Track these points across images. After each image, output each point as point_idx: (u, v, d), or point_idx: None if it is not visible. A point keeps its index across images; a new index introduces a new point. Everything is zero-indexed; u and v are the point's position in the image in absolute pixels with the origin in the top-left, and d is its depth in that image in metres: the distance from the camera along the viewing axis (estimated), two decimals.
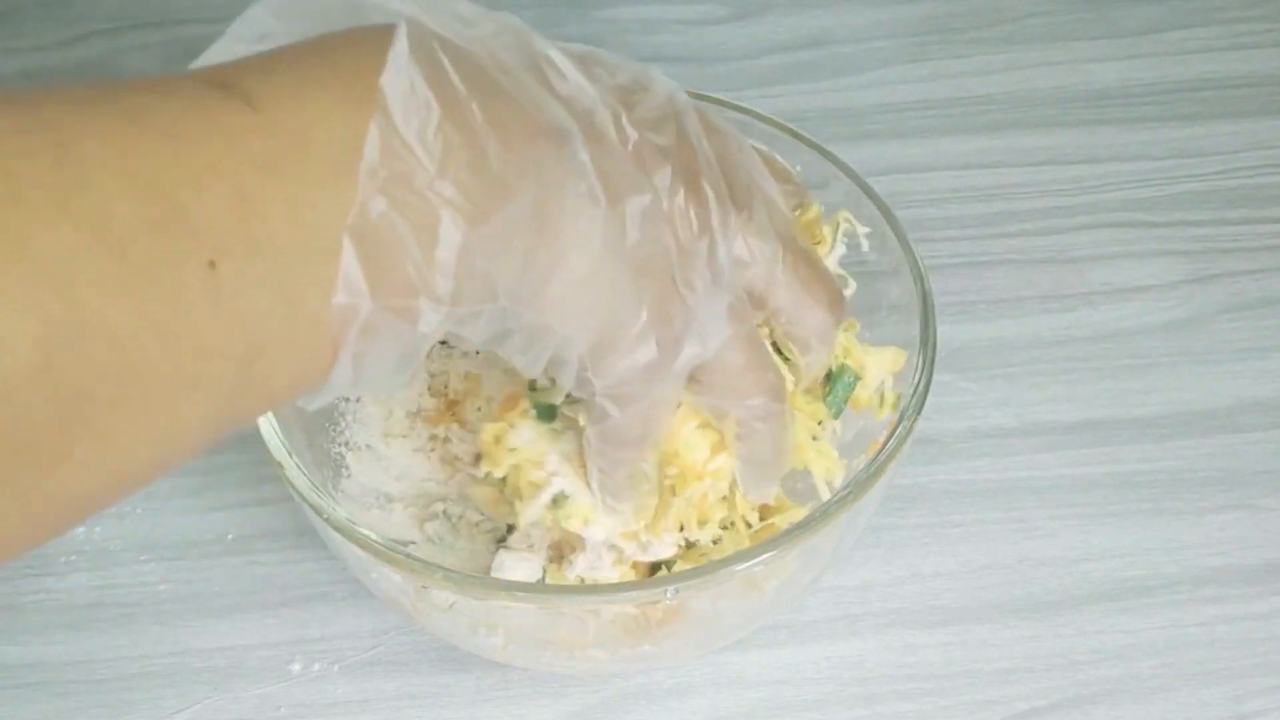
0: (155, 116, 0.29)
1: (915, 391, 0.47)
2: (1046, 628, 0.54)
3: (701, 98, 0.55)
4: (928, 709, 0.52)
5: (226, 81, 0.30)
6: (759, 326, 0.43)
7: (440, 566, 0.44)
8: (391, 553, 0.43)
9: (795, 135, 0.54)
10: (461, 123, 0.32)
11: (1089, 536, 0.57)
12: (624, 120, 0.38)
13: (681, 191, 0.38)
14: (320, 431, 0.52)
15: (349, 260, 0.30)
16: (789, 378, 0.45)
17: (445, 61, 0.32)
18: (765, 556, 0.43)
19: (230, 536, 0.57)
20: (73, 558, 0.57)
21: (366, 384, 0.33)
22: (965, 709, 0.52)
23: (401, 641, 0.54)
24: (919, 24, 0.79)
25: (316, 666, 0.53)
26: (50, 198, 0.26)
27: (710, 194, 0.39)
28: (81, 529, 0.57)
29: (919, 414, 0.46)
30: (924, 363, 0.48)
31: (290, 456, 0.46)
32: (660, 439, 0.43)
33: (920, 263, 0.50)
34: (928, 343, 0.48)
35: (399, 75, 0.31)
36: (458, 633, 0.47)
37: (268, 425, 0.47)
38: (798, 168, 0.53)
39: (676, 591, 0.43)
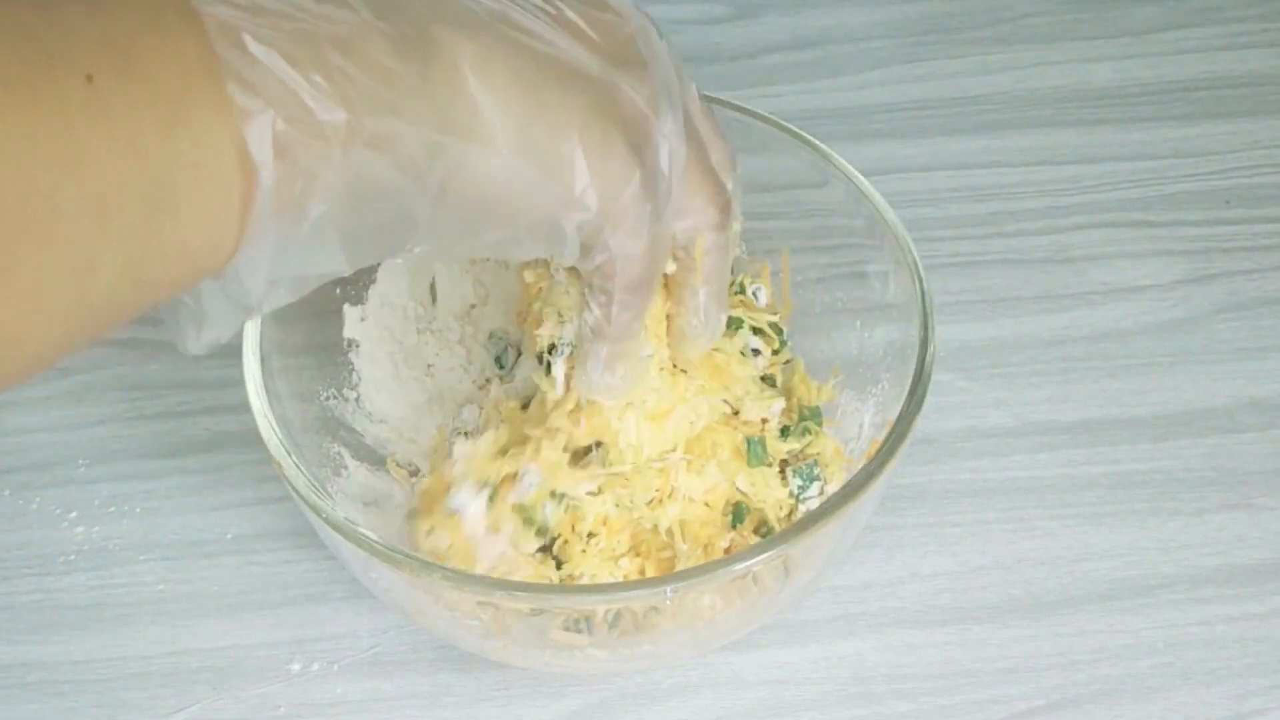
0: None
1: (914, 391, 0.47)
2: (1045, 627, 0.54)
3: (701, 98, 0.55)
4: (926, 709, 0.52)
5: None
6: None
7: (440, 566, 0.44)
8: (390, 552, 0.43)
9: (794, 135, 0.54)
10: None
11: (1087, 536, 0.57)
12: None
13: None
14: (321, 422, 0.52)
15: (230, 83, 0.31)
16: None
17: None
18: (765, 556, 0.43)
19: (229, 536, 0.57)
20: (71, 557, 0.57)
21: (293, 231, 0.33)
22: (964, 709, 0.52)
23: (400, 641, 0.54)
24: (917, 24, 0.79)
25: (316, 666, 0.53)
26: None
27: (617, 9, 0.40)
28: (80, 528, 0.57)
29: (918, 413, 0.46)
30: (922, 362, 0.48)
31: (289, 456, 0.46)
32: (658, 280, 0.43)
33: (918, 262, 0.50)
34: (926, 342, 0.48)
35: None
36: (457, 633, 0.47)
37: (266, 424, 0.47)
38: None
39: (675, 590, 0.43)
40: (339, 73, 0.33)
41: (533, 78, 0.36)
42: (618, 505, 0.47)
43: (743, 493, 0.49)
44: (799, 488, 0.50)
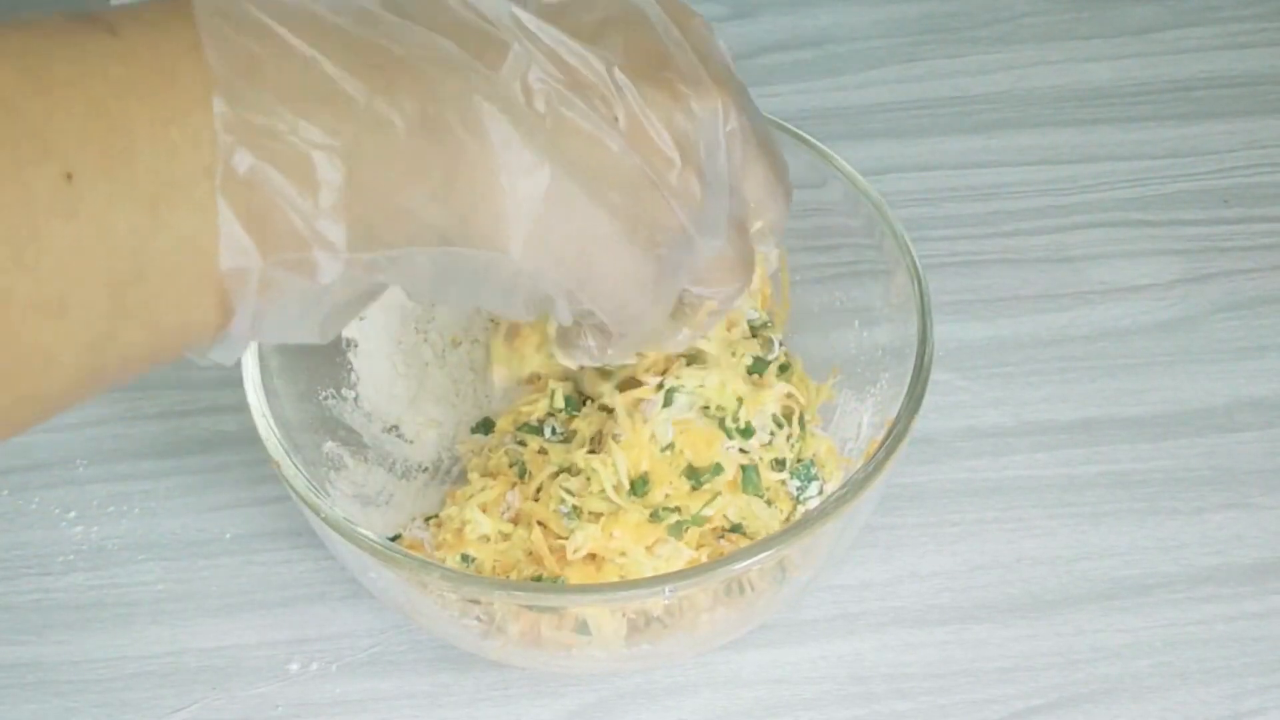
0: (7, 39, 0.28)
1: (912, 391, 0.47)
2: (1044, 627, 0.54)
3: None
4: (925, 708, 0.52)
5: (90, 15, 0.29)
6: None
7: (439, 565, 0.44)
8: (389, 552, 0.43)
9: (793, 134, 0.54)
10: (306, 68, 0.30)
11: (1086, 535, 0.57)
12: (542, 32, 0.34)
13: (647, 93, 0.36)
14: (319, 422, 0.52)
15: (227, 219, 0.29)
16: None
17: (266, 19, 0.30)
18: (763, 555, 0.43)
19: (228, 536, 0.57)
20: (70, 557, 0.57)
21: (270, 337, 0.32)
22: (963, 708, 0.52)
23: (399, 641, 0.54)
24: (916, 23, 0.79)
25: (314, 666, 0.53)
26: None
27: (687, 90, 0.36)
28: (79, 528, 0.57)
29: (916, 413, 0.46)
30: (921, 362, 0.48)
31: (287, 455, 0.46)
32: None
33: (917, 262, 0.50)
34: (924, 342, 0.48)
35: (215, 38, 0.30)
36: (455, 632, 0.47)
37: (265, 423, 0.47)
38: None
39: (674, 590, 0.43)
40: (358, 203, 0.31)
41: (570, 188, 0.34)
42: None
43: (733, 522, 0.49)
44: (798, 489, 0.50)
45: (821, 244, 0.55)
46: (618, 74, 0.35)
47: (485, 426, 0.54)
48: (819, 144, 0.53)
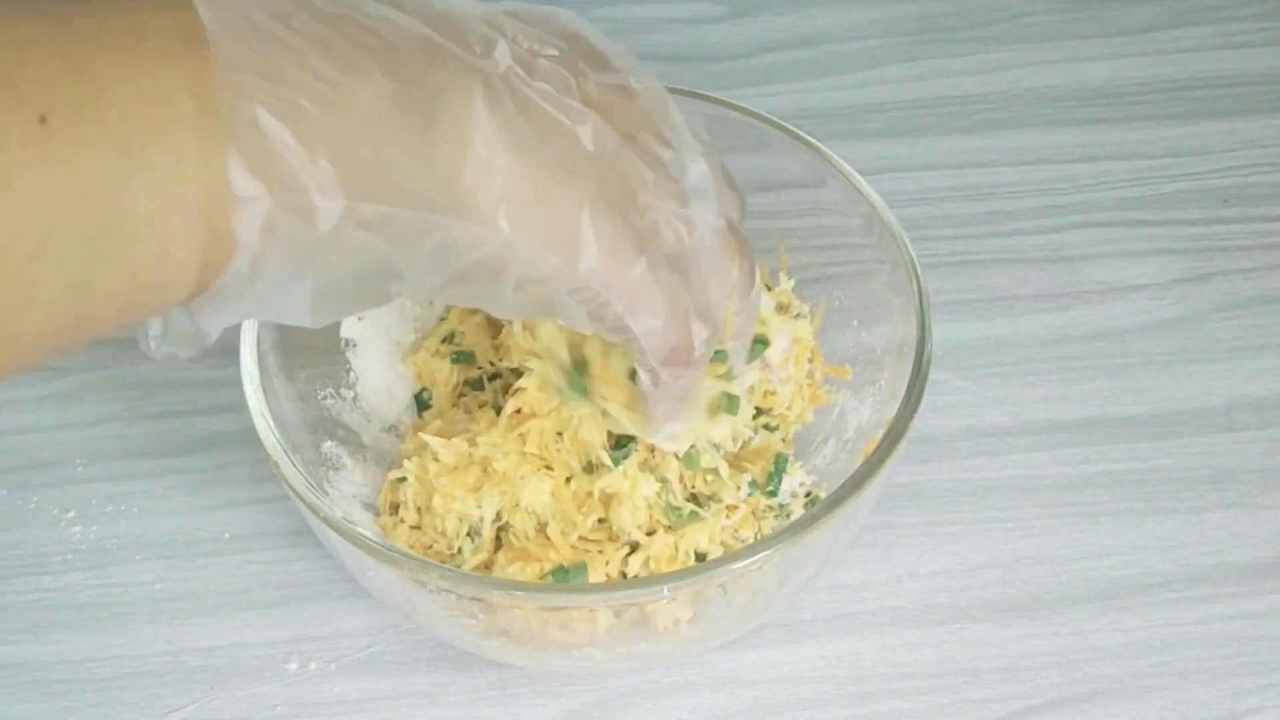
0: None
1: (911, 390, 0.47)
2: (1043, 626, 0.54)
3: (698, 96, 0.55)
4: (924, 707, 0.52)
5: None
6: None
7: (438, 565, 0.44)
8: (388, 551, 0.43)
9: (791, 134, 0.54)
10: (296, 28, 0.32)
11: (1085, 535, 0.57)
12: (514, 25, 0.38)
13: (601, 81, 0.40)
14: (318, 421, 0.52)
15: (235, 162, 0.31)
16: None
17: None
18: (762, 555, 0.43)
19: (227, 535, 0.57)
20: (69, 556, 0.57)
21: (265, 290, 0.33)
22: (962, 707, 0.52)
23: (398, 640, 0.54)
24: (914, 23, 0.79)
25: (313, 665, 0.53)
26: None
27: (634, 81, 0.40)
28: (77, 528, 0.57)
29: (915, 413, 0.46)
30: (920, 361, 0.48)
31: (286, 455, 0.46)
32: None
33: (916, 261, 0.50)
34: (923, 341, 0.48)
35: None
36: (454, 632, 0.47)
37: (264, 423, 0.47)
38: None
39: (672, 590, 0.43)
40: (345, 153, 0.32)
41: (542, 159, 0.36)
42: None
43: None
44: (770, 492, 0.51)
45: (820, 244, 0.55)
46: (579, 63, 0.39)
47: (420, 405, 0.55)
48: (817, 143, 0.53)
